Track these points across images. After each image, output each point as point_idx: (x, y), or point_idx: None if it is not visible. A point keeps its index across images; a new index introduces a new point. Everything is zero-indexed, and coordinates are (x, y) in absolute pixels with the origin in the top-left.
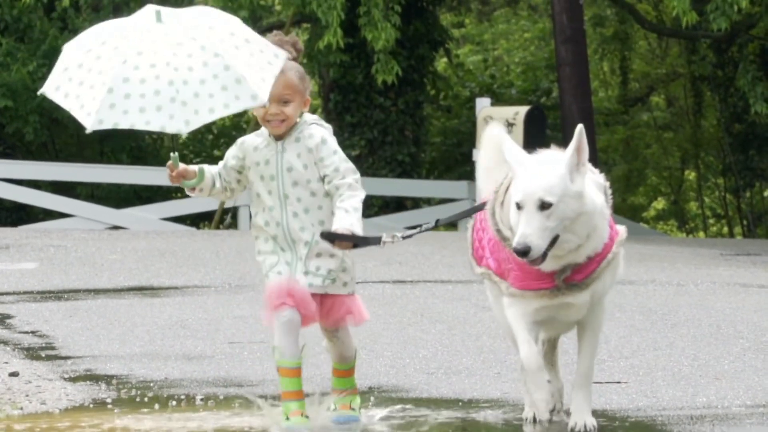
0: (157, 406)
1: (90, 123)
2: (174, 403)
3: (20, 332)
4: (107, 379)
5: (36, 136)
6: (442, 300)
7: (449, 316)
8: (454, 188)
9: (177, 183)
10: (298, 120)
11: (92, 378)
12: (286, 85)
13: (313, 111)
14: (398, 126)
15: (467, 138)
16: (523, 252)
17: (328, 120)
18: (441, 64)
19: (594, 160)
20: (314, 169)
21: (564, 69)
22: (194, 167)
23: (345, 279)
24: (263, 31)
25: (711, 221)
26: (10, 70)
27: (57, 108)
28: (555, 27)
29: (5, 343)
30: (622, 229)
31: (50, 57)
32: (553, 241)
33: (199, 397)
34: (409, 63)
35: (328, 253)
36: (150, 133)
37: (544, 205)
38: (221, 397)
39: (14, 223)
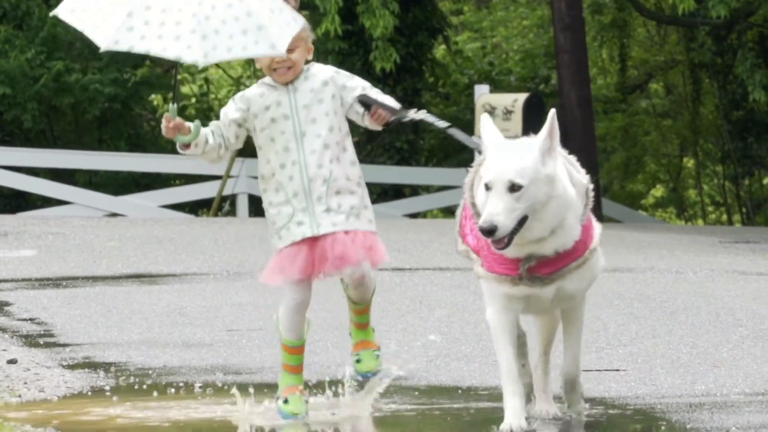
0: (155, 393)
1: (105, 43)
2: (172, 390)
3: (19, 319)
4: (106, 366)
5: (34, 124)
6: (441, 287)
7: (448, 303)
8: (452, 175)
9: (171, 136)
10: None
11: (91, 365)
12: None
13: None
14: None
15: (466, 125)
16: (489, 231)
17: None
18: (439, 51)
19: (593, 147)
20: (331, 102)
21: (563, 56)
22: (190, 124)
23: (369, 216)
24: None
25: (710, 209)
26: (9, 57)
27: (56, 95)
28: (554, 14)
29: (4, 330)
30: (596, 234)
31: (48, 44)
32: (522, 221)
33: (197, 385)
34: (408, 50)
35: (348, 190)
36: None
37: (514, 187)
38: (220, 384)
39: (13, 210)
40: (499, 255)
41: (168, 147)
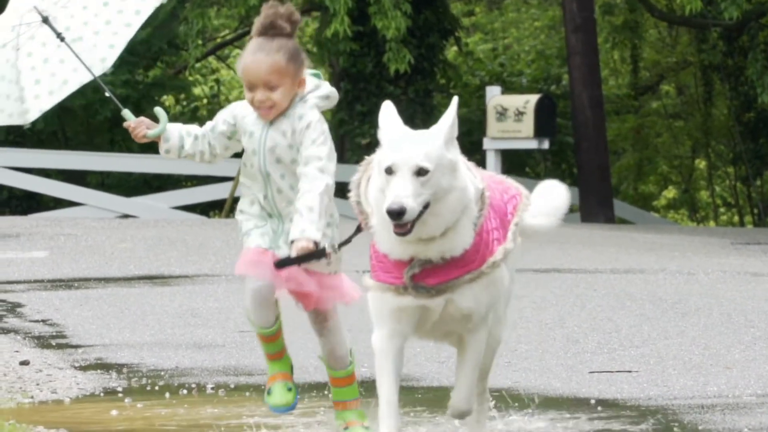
0: (167, 394)
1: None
2: (185, 391)
3: (31, 321)
4: (118, 367)
5: (46, 125)
6: None
7: None
8: None
9: (141, 137)
10: (297, 98)
11: (103, 367)
12: (271, 69)
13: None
14: (408, 114)
15: (477, 127)
16: (398, 213)
17: (338, 108)
18: (451, 52)
19: (604, 148)
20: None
21: (574, 58)
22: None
23: (334, 259)
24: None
25: (721, 210)
26: None
27: (68, 96)
28: (565, 15)
29: (16, 331)
30: (500, 249)
31: None
32: (425, 208)
33: (209, 386)
34: (420, 52)
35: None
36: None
37: (420, 171)
38: (232, 385)
39: (25, 211)
40: (385, 263)
41: None
